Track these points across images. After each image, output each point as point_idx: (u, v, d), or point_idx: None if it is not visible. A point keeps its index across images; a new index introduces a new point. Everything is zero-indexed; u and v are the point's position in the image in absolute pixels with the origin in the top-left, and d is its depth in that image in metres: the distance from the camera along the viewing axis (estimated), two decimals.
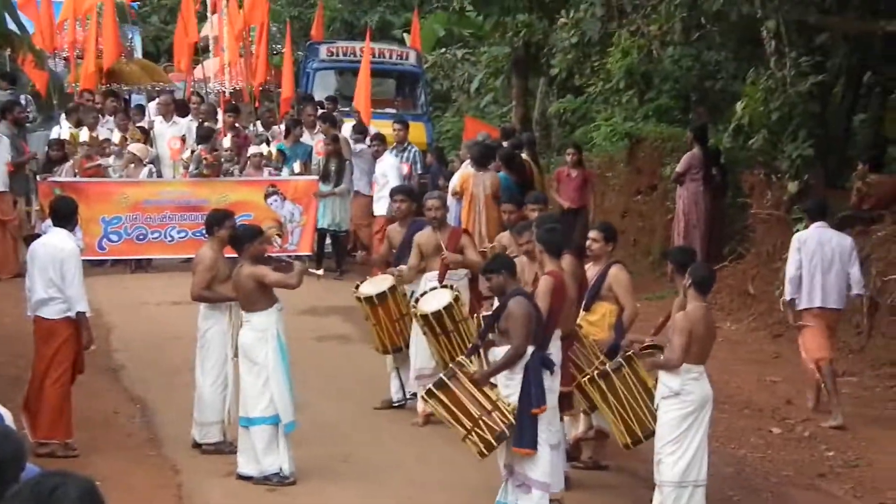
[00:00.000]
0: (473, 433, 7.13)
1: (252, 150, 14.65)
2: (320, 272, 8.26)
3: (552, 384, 7.39)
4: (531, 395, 7.05)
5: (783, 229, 12.75)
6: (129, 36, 19.99)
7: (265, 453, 7.79)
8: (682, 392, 7.18)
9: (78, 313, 8.16)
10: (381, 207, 13.78)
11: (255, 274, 7.84)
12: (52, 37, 16.75)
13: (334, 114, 15.57)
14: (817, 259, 9.79)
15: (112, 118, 15.55)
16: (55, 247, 8.14)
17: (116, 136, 14.82)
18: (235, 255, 8.19)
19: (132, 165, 14.20)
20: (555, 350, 7.39)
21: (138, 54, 21.23)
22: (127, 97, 17.55)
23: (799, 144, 12.73)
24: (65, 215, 8.35)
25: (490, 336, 7.25)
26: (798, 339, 10.10)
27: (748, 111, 13.00)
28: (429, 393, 7.27)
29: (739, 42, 15.52)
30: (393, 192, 10.03)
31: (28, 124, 16.43)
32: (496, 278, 7.25)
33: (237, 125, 15.30)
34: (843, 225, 11.32)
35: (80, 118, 15.07)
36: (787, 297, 9.96)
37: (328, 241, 14.71)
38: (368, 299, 9.27)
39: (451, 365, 7.41)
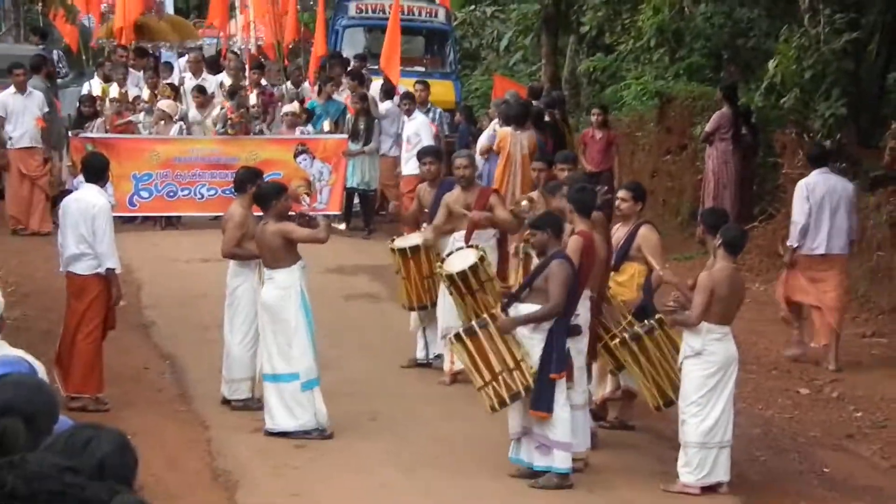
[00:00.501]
0: (490, 386, 7.18)
1: (286, 108, 14.63)
2: (343, 226, 8.28)
3: (580, 345, 7.40)
4: (552, 360, 7.06)
5: None
6: None
7: (302, 408, 7.86)
8: (703, 352, 7.19)
9: (108, 269, 8.22)
10: (412, 167, 13.74)
11: (282, 231, 7.86)
12: None
13: (363, 72, 15.50)
14: (826, 205, 9.89)
15: (141, 74, 15.57)
16: (87, 203, 8.18)
17: (146, 93, 14.84)
18: (261, 214, 8.22)
19: (162, 122, 14.23)
20: (583, 310, 7.39)
21: (169, 10, 21.20)
22: (157, 54, 17.55)
23: (832, 103, 12.58)
24: (96, 171, 8.39)
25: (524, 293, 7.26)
26: (782, 279, 10.23)
27: (781, 69, 12.84)
28: (457, 336, 7.33)
29: None
30: (420, 154, 9.99)
31: (59, 80, 16.49)
32: (540, 235, 7.24)
33: (262, 82, 15.27)
34: (875, 185, 11.20)
35: (108, 74, 15.09)
36: (794, 243, 10.03)
37: (356, 200, 14.70)
38: (402, 251, 9.31)
39: (484, 315, 7.43)
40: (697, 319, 7.15)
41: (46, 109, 13.72)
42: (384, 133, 14.59)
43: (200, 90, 14.58)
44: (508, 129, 12.66)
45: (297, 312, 7.88)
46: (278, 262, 7.91)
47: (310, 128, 14.55)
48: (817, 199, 9.93)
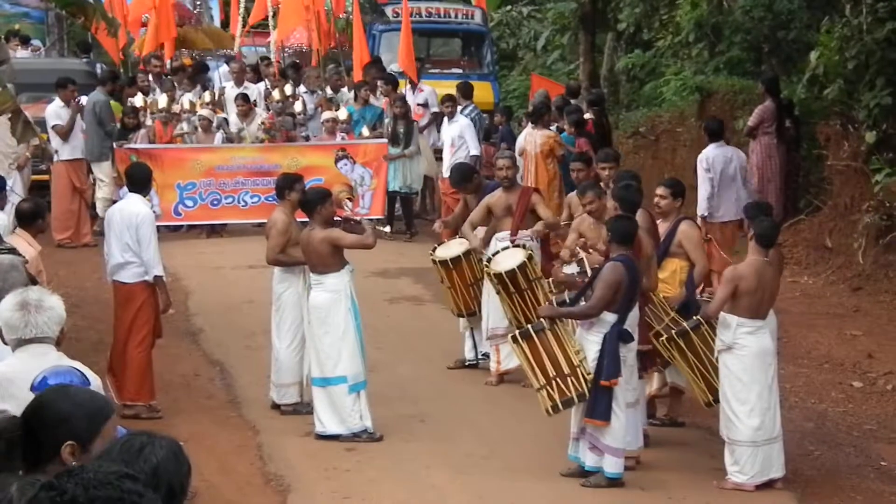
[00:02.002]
0: (545, 390, 7.17)
1: (325, 115, 14.68)
2: (387, 229, 8.28)
3: (630, 343, 7.36)
4: (603, 366, 7.04)
5: (861, 180, 12.49)
6: (198, 2, 20.12)
7: (350, 411, 7.89)
8: (734, 346, 7.16)
9: (155, 277, 8.29)
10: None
11: (329, 237, 7.89)
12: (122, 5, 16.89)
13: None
14: (726, 176, 11.05)
15: (181, 84, 15.69)
16: (130, 212, 8.26)
17: (186, 103, 14.96)
18: (306, 219, 8.25)
19: (200, 131, 14.33)
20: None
21: (216, 21, 21.38)
22: (201, 63, 17.69)
23: (876, 93, 12.42)
24: (139, 181, 8.46)
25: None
26: (714, 252, 10.50)
27: (823, 61, 12.72)
28: (514, 339, 7.34)
29: None
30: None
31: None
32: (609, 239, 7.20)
33: (301, 89, 15.34)
34: None
35: (143, 87, 15.18)
36: (704, 213, 11.08)
37: (398, 203, 14.72)
38: (443, 263, 9.31)
39: (541, 319, 7.43)
40: (715, 312, 7.15)
41: (82, 123, 13.84)
42: None
43: (245, 98, 14.70)
44: (529, 128, 12.84)
45: (347, 316, 7.91)
46: (327, 268, 7.94)
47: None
48: (717, 170, 11.07)
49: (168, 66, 16.47)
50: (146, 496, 2.33)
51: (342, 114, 14.58)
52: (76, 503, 2.27)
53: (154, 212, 13.65)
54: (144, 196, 8.50)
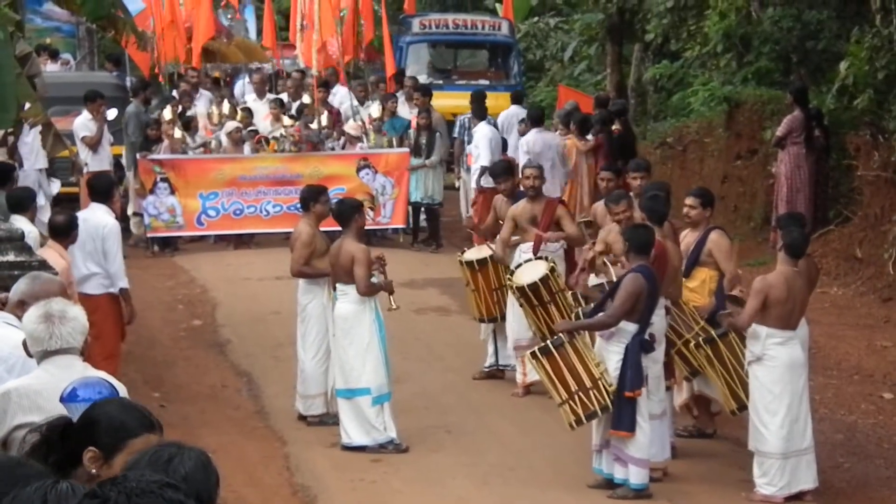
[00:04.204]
0: (567, 404, 7.15)
1: (346, 127, 14.72)
2: (396, 306, 8.21)
3: (656, 354, 7.33)
4: (627, 377, 7.01)
5: (891, 191, 12.39)
6: (229, 16, 20.22)
7: (375, 423, 7.88)
8: (764, 357, 7.10)
9: (121, 289, 8.19)
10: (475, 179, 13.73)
11: (356, 257, 7.85)
12: (160, 16, 16.99)
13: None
14: (544, 159, 12.11)
15: (210, 95, 15.79)
16: (96, 223, 8.09)
17: (215, 115, 15.05)
18: (328, 230, 8.24)
19: (228, 143, 14.41)
20: (657, 319, 7.32)
21: (251, 34, 21.46)
22: (234, 75, 17.79)
23: None
24: (102, 191, 8.31)
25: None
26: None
27: (853, 71, 12.63)
28: (533, 355, 7.32)
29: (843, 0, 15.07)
30: (493, 175, 10.04)
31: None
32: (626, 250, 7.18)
33: (328, 101, 15.40)
34: None
35: (182, 98, 15.28)
36: (476, 176, 12.76)
37: (423, 215, 14.73)
38: (469, 264, 9.32)
39: (560, 334, 7.41)
40: (747, 323, 7.08)
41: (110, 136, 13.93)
42: None
43: (280, 103, 14.81)
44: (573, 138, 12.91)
45: (371, 327, 7.91)
46: (352, 279, 7.95)
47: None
48: (536, 154, 12.32)
49: (202, 77, 16.54)
50: None
51: (349, 127, 14.60)
52: None
53: (178, 222, 13.86)
54: (108, 206, 8.24)
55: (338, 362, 8.03)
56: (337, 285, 8.08)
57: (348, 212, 8.10)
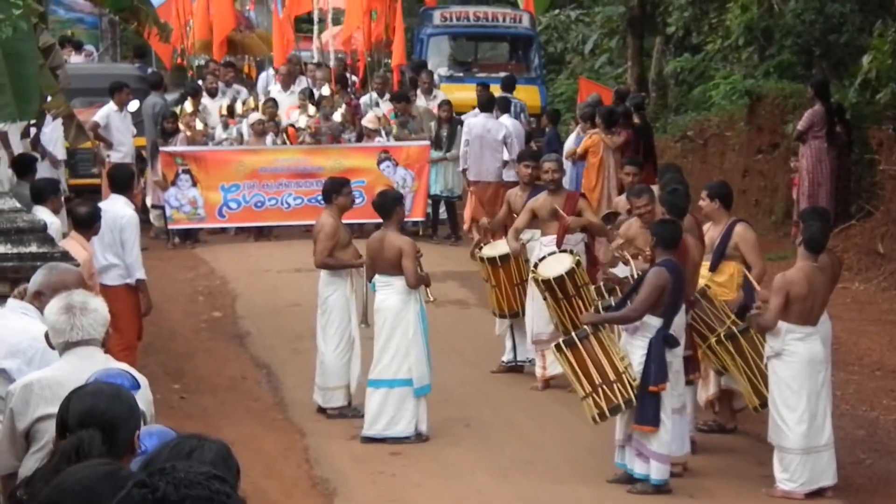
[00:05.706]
0: (591, 397, 7.14)
1: (364, 121, 14.72)
2: (433, 299, 8.26)
3: (677, 349, 7.31)
4: (651, 371, 6.99)
5: None
6: (247, 8, 20.23)
7: (406, 414, 7.91)
8: (783, 353, 7.07)
9: (137, 280, 8.22)
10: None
11: (405, 250, 7.88)
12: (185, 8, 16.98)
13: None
14: (485, 142, 13.03)
15: (229, 89, 15.80)
16: (115, 214, 8.12)
17: (239, 107, 15.07)
18: (350, 221, 8.24)
19: (250, 135, 14.43)
20: (678, 315, 7.29)
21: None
22: (256, 67, 17.79)
23: None
24: (122, 182, 8.35)
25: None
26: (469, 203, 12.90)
27: (875, 64, 12.55)
28: (557, 347, 7.32)
29: None
30: (520, 157, 10.02)
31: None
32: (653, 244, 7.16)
33: (348, 92, 15.42)
34: None
35: (210, 88, 15.29)
36: (462, 167, 13.29)
37: (442, 207, 14.72)
38: (491, 260, 9.29)
39: (585, 326, 7.39)
40: (772, 322, 7.04)
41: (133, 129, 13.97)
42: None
43: (309, 95, 14.85)
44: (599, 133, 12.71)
45: (416, 318, 7.93)
46: (397, 270, 7.96)
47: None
48: (475, 136, 13.08)
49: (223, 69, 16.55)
50: (233, 497, 2.38)
51: (367, 120, 14.59)
52: (167, 501, 2.33)
53: (199, 214, 13.89)
54: (128, 197, 8.28)
55: (377, 353, 8.02)
56: (378, 277, 8.07)
57: (390, 204, 8.12)
